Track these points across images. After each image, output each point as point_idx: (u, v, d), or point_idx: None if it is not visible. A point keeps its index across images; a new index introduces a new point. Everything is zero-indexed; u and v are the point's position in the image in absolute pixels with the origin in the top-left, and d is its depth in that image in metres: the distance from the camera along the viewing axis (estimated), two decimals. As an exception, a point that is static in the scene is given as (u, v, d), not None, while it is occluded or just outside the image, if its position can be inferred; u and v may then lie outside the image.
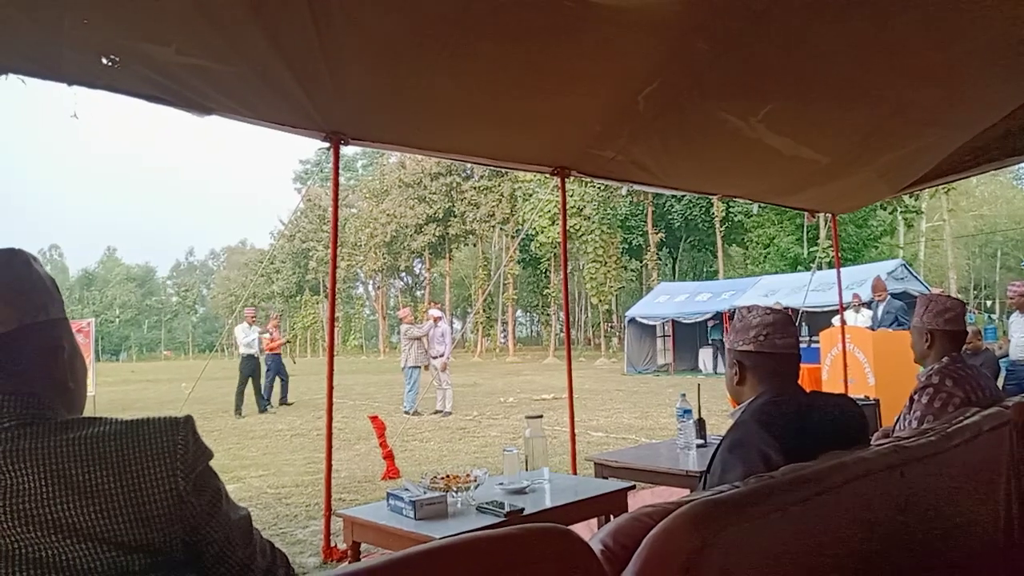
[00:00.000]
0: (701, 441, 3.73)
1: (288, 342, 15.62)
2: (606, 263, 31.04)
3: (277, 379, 13.04)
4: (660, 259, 37.09)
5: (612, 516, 2.61)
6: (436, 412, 11.26)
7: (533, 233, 32.88)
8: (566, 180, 4.68)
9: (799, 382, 1.87)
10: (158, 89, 2.90)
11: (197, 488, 1.00)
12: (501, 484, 3.03)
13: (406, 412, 11.19)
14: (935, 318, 2.68)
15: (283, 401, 13.15)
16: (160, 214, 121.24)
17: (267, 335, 12.96)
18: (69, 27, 2.40)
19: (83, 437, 0.95)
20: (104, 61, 2.59)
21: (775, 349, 1.83)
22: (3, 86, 2.69)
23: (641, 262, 37.31)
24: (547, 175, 4.63)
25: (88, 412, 1.01)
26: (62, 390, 1.06)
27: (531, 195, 32.81)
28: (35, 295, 1.04)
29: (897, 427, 2.64)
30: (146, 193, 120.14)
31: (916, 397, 2.56)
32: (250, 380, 12.12)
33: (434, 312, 12.03)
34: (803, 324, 14.73)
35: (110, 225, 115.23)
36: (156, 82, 2.84)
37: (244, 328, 12.29)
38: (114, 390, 20.09)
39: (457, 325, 46.40)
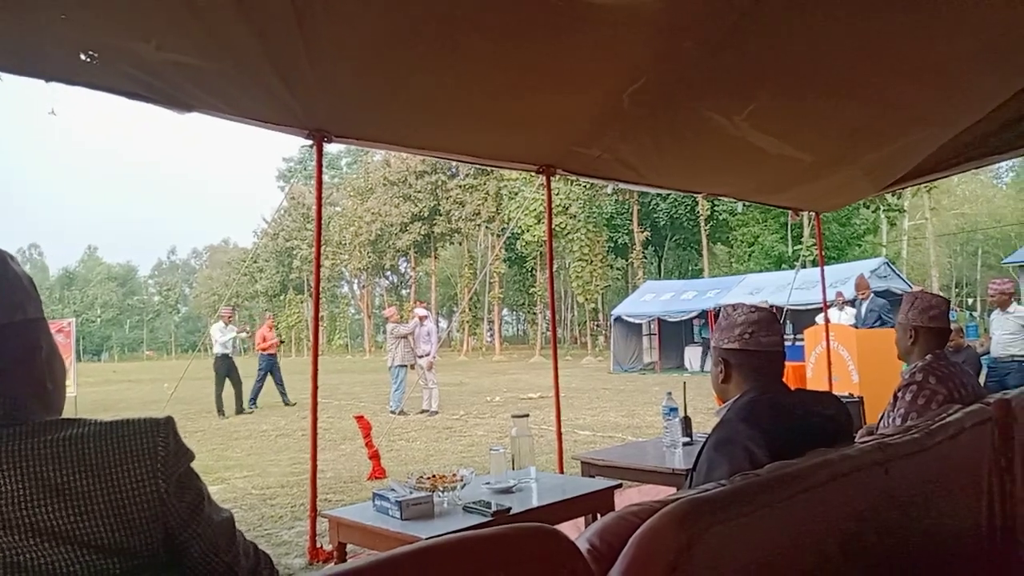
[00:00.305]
0: (687, 439, 3.74)
1: (282, 342, 15.40)
2: (592, 262, 31.12)
3: (270, 380, 12.80)
4: (646, 257, 37.24)
5: (599, 515, 2.61)
6: (422, 411, 11.24)
7: (519, 232, 32.90)
8: (552, 178, 4.68)
9: (784, 380, 1.88)
10: (138, 85, 2.86)
11: (178, 490, 0.98)
12: (488, 483, 3.03)
13: (392, 412, 11.16)
14: (920, 315, 2.70)
15: (285, 402, 12.88)
16: (141, 212, 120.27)
17: (245, 335, 12.75)
18: (47, 22, 2.37)
19: (62, 439, 0.93)
20: (83, 57, 2.56)
21: (760, 347, 1.84)
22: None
23: (627, 260, 37.41)
24: (533, 173, 4.63)
25: (69, 413, 1.00)
26: (40, 391, 1.04)
27: (517, 193, 32.83)
28: (12, 294, 1.01)
29: (881, 424, 2.66)
30: (127, 190, 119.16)
31: (900, 394, 2.57)
32: (227, 380, 11.92)
33: (420, 311, 11.98)
34: (788, 322, 14.86)
35: (90, 222, 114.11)
36: (136, 78, 2.80)
37: (220, 327, 12.08)
38: (96, 391, 19.91)
39: (443, 324, 46.33)
